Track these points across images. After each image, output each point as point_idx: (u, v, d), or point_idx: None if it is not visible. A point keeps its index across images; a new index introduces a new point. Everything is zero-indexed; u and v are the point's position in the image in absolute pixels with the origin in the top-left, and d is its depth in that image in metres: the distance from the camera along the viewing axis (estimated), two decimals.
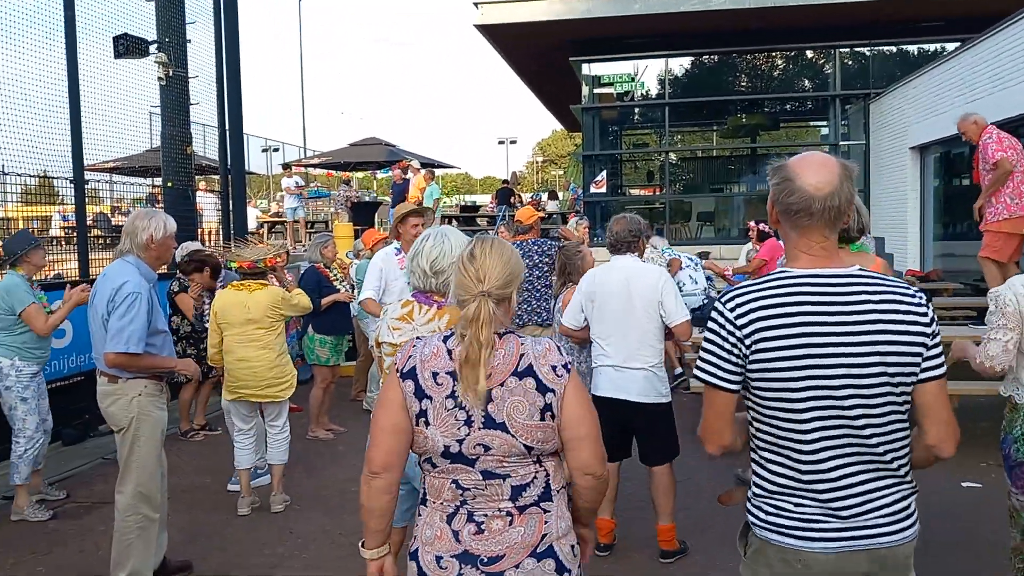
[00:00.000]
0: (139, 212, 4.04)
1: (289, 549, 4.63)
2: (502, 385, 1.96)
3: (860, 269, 1.96)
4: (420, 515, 2.10)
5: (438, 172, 27.07)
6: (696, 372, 2.02)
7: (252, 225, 16.91)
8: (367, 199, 20.46)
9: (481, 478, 1.99)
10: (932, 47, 16.78)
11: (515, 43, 18.02)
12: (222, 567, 4.42)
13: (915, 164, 13.18)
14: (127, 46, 7.73)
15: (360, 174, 27.26)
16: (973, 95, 10.53)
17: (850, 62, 17.78)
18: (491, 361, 1.96)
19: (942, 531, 4.39)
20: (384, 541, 2.13)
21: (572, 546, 2.07)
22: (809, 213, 1.91)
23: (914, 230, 13.19)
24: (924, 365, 1.91)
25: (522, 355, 2.00)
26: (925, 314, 1.91)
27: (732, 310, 1.93)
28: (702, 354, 1.98)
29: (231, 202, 9.64)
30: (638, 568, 4.27)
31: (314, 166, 23.76)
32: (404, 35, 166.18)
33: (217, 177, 10.87)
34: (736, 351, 1.92)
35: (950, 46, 14.10)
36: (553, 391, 1.98)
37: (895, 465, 1.94)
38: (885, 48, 17.54)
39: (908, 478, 1.97)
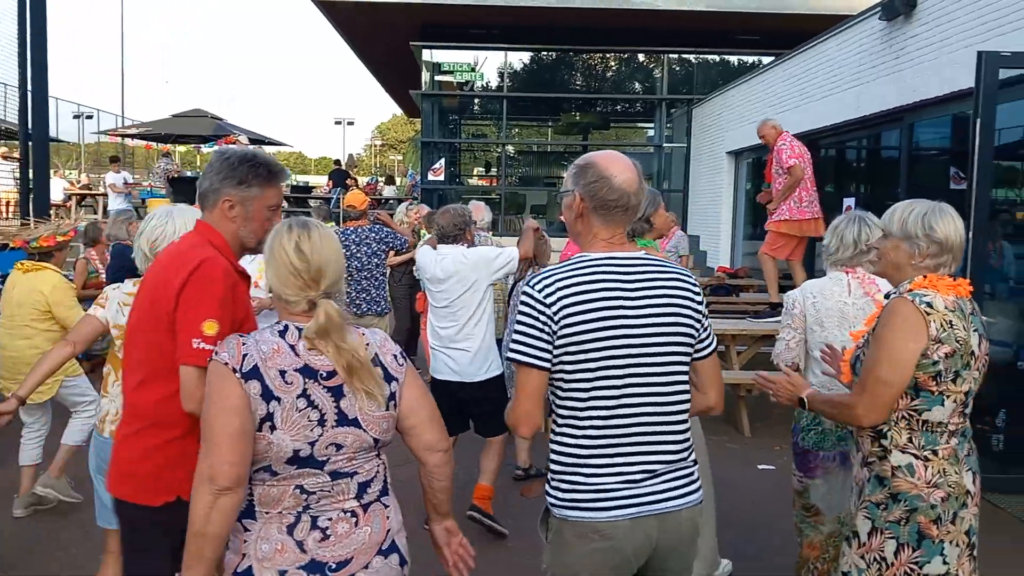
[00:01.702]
0: None
1: (90, 552, 4.29)
2: None
3: (646, 254, 2.15)
4: (247, 530, 1.88)
5: (269, 150, 26.02)
6: (511, 354, 2.05)
7: (59, 197, 15.51)
8: (189, 174, 19.29)
9: (329, 479, 1.89)
10: (750, 59, 18.04)
11: (356, 22, 17.61)
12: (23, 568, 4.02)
13: (730, 168, 14.12)
14: None
15: (183, 148, 25.72)
16: (783, 106, 11.41)
17: (677, 68, 18.79)
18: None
19: (741, 509, 4.75)
20: (212, 565, 1.84)
21: (406, 537, 2.06)
22: (624, 208, 2.09)
23: (726, 230, 14.14)
24: (703, 339, 2.16)
25: (367, 344, 1.95)
26: (699, 294, 2.16)
27: (540, 291, 2.03)
28: (516, 336, 2.04)
29: (31, 171, 8.77)
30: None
31: (132, 136, 22.11)
32: (238, 6, 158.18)
33: (18, 143, 9.86)
34: (547, 328, 2.01)
35: (766, 59, 15.21)
36: (396, 379, 1.98)
37: (681, 431, 2.11)
38: (708, 57, 18.68)
39: (690, 444, 2.14)
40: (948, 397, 2.29)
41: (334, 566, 1.86)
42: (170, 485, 2.15)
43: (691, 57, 18.60)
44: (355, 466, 1.92)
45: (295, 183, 28.09)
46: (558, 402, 2.09)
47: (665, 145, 18.26)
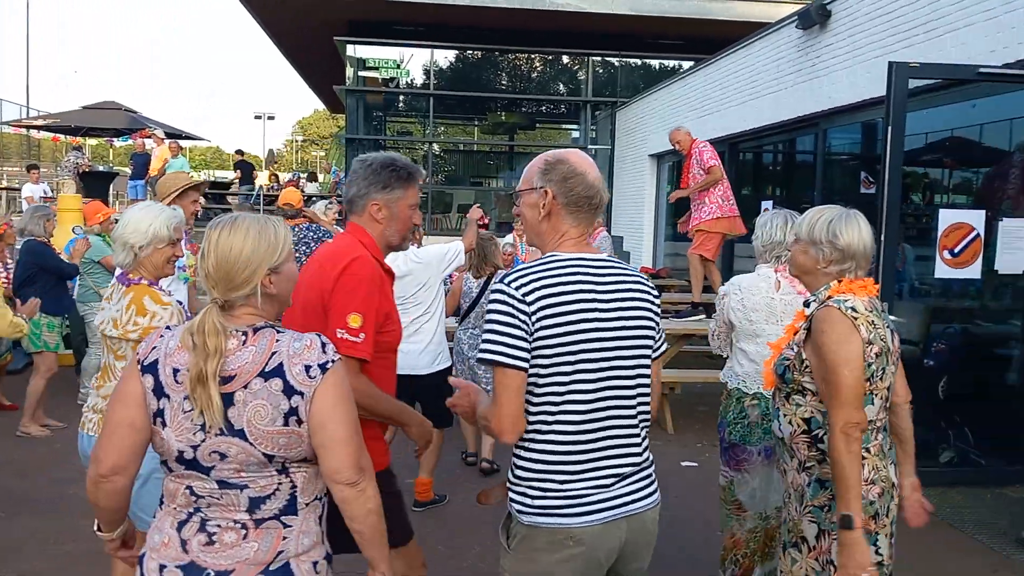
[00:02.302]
0: None
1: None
2: (246, 387, 1.77)
3: (610, 256, 2.16)
4: (155, 517, 1.91)
5: (185, 144, 25.23)
6: (487, 356, 1.96)
7: None
8: (100, 169, 18.52)
9: (216, 487, 1.81)
10: (672, 64, 18.42)
11: (278, 16, 17.22)
12: None
13: (652, 171, 14.38)
14: None
15: (94, 141, 24.67)
16: (704, 110, 11.68)
17: (601, 71, 19.04)
18: (238, 360, 1.77)
19: (665, 505, 4.80)
20: (119, 525, 1.94)
21: (315, 563, 1.88)
22: (595, 205, 2.10)
23: (649, 231, 14.39)
24: (657, 343, 2.15)
25: (274, 353, 1.80)
26: (657, 298, 2.17)
27: (518, 289, 1.97)
28: (492, 337, 1.96)
29: None
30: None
31: (39, 127, 21.08)
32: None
33: None
34: (525, 328, 1.95)
35: (687, 64, 15.54)
36: (301, 394, 1.79)
37: (643, 433, 2.12)
38: (632, 61, 18.98)
39: (648, 445, 2.15)
40: (876, 395, 2.36)
41: (213, 574, 1.79)
42: None
43: (615, 60, 18.88)
44: (245, 479, 1.80)
45: (213, 178, 27.31)
46: (531, 407, 2.02)
47: (590, 147, 18.46)
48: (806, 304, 2.48)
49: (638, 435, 2.10)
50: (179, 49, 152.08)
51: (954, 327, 6.28)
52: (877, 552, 2.35)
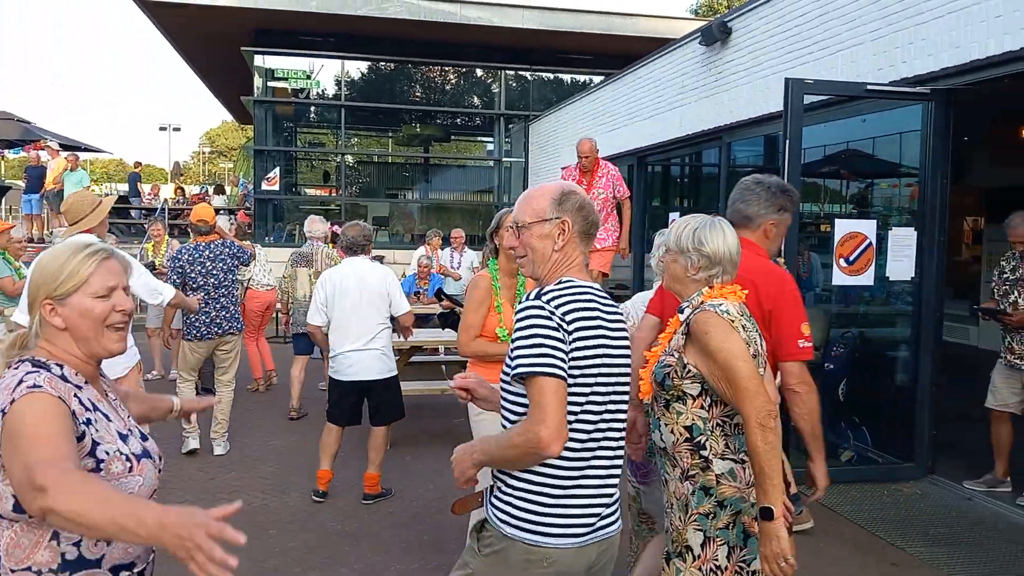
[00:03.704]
0: None
1: None
2: None
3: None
4: None
5: (85, 157, 24.19)
6: (533, 368, 1.95)
7: None
8: None
9: None
10: (583, 78, 18.73)
11: (181, 25, 16.71)
12: None
13: None
14: None
15: None
16: (613, 124, 11.92)
17: (514, 84, 19.19)
18: None
19: None
20: None
21: None
22: (596, 231, 2.23)
23: None
24: None
25: None
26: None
27: (557, 307, 2.03)
28: (535, 351, 1.97)
29: None
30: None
31: None
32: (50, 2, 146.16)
33: None
34: (565, 343, 2.00)
35: (597, 79, 15.83)
36: None
37: (621, 459, 2.18)
38: (544, 75, 19.21)
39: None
40: None
41: None
42: None
43: (527, 74, 19.07)
44: None
45: (118, 193, 26.26)
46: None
47: (504, 159, 18.59)
48: (680, 311, 2.53)
49: (621, 464, 2.17)
50: (79, 58, 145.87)
51: (852, 332, 6.57)
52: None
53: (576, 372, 2.00)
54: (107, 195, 14.74)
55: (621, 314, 2.22)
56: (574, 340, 2.00)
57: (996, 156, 9.28)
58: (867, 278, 5.59)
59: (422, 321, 8.16)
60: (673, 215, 9.89)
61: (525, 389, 2.00)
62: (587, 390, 2.03)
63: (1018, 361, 5.25)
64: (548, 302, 2.02)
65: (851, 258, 5.56)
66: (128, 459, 1.70)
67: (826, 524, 4.91)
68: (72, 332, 1.72)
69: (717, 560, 2.37)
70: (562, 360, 1.97)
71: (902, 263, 5.68)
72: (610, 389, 2.09)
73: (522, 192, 2.36)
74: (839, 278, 5.59)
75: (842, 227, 5.60)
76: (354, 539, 4.63)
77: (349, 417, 5.17)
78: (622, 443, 2.17)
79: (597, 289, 2.17)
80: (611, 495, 2.14)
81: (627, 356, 2.18)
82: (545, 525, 2.02)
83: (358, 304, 5.06)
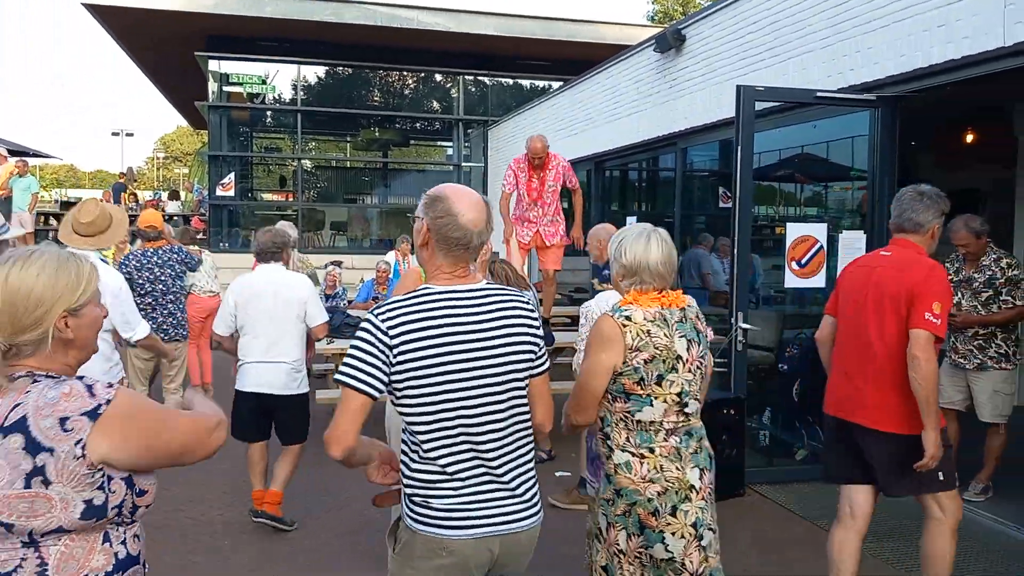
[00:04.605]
0: None
1: None
2: None
3: (488, 283, 2.24)
4: None
5: (35, 162, 23.62)
6: (338, 376, 2.08)
7: None
8: None
9: None
10: (542, 84, 18.83)
11: (132, 29, 16.43)
12: None
13: None
14: None
15: None
16: (571, 130, 12.00)
17: (473, 89, 19.22)
18: None
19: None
20: None
21: None
22: (466, 246, 2.15)
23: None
24: (537, 361, 2.24)
25: (16, 406, 1.56)
26: (537, 319, 2.27)
27: (384, 321, 2.07)
28: (348, 360, 2.08)
29: None
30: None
31: None
32: None
33: None
34: (383, 358, 2.06)
35: (555, 84, 15.92)
36: (50, 450, 1.53)
37: (523, 453, 2.22)
38: (503, 80, 19.27)
39: (533, 467, 2.26)
40: (657, 398, 2.56)
41: None
42: None
43: (486, 79, 19.12)
44: None
45: (65, 198, 25.70)
46: (407, 429, 2.14)
47: (464, 164, 18.60)
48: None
49: (512, 458, 2.19)
50: (29, 62, 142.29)
51: (805, 333, 6.68)
52: (667, 549, 2.52)
53: (417, 380, 2.07)
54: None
55: (510, 307, 2.19)
56: (400, 351, 2.05)
57: (941, 161, 9.54)
58: (819, 280, 5.70)
59: None
60: (630, 219, 9.99)
61: None
62: (436, 397, 2.08)
63: (962, 360, 5.40)
64: (378, 315, 2.09)
65: (803, 261, 5.66)
66: None
67: (780, 522, 4.99)
68: (78, 342, 1.70)
69: (619, 544, 2.57)
70: (369, 375, 2.05)
71: None
72: (475, 390, 2.10)
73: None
74: (791, 280, 5.69)
75: (793, 231, 5.70)
76: (299, 550, 4.58)
77: (255, 433, 4.78)
78: (515, 434, 2.19)
79: (465, 291, 2.15)
80: (506, 490, 2.16)
81: (513, 350, 2.16)
82: (439, 518, 2.10)
83: (272, 313, 4.67)
